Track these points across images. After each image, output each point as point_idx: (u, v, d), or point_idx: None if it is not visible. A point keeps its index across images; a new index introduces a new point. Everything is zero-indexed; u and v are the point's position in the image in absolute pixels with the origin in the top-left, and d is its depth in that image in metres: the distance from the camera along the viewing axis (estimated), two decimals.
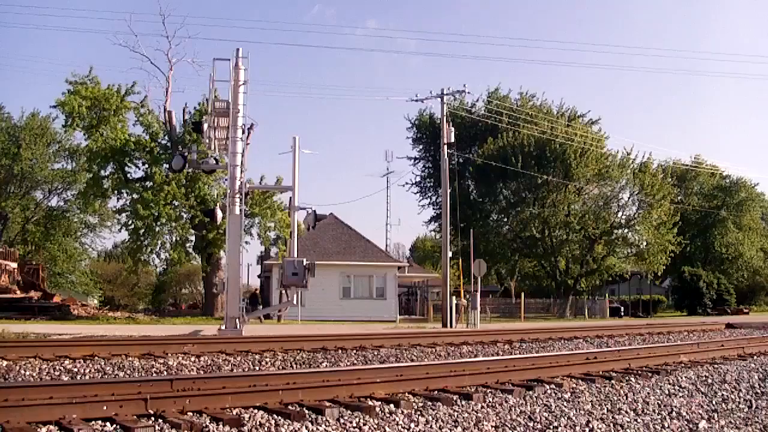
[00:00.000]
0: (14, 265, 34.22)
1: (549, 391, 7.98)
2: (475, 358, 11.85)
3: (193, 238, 36.31)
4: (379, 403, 6.77)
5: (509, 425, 6.27)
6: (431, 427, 6.06)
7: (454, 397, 7.22)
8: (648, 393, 8.17)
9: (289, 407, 6.39)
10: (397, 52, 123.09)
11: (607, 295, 57.57)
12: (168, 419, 5.68)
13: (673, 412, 7.21)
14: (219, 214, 19.13)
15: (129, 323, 26.85)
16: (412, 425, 6.05)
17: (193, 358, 10.65)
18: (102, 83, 34.71)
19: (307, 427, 5.75)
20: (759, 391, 8.92)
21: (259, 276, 51.81)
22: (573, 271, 53.88)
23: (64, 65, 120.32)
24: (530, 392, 7.84)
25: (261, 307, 38.55)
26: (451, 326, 27.62)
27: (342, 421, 6.03)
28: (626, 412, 7.10)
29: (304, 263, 18.69)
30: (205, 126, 19.66)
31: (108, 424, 5.53)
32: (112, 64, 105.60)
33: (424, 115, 57.49)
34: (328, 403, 6.57)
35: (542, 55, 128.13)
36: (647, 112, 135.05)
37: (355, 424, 5.93)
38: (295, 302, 19.64)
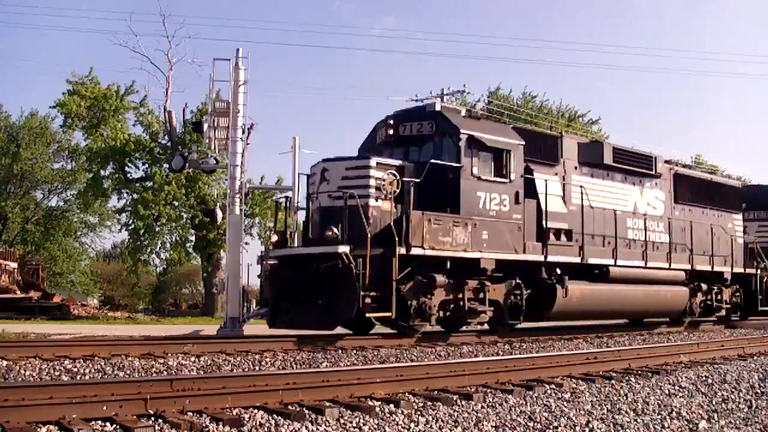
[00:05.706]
0: (14, 265, 34.21)
1: (549, 391, 7.98)
2: (475, 358, 11.84)
3: (193, 238, 36.27)
4: (379, 403, 6.77)
5: (509, 425, 6.27)
6: (431, 427, 6.06)
7: (454, 397, 7.22)
8: (648, 393, 8.17)
9: (289, 407, 6.39)
10: (404, 53, 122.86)
11: None
12: (168, 419, 5.68)
13: (673, 412, 7.21)
14: (219, 214, 19.13)
15: (129, 323, 26.83)
16: (412, 425, 6.05)
17: (193, 358, 10.63)
18: (102, 83, 34.72)
19: (307, 427, 5.75)
20: (759, 391, 8.93)
21: (259, 276, 51.74)
22: None
23: (64, 65, 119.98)
24: (530, 392, 7.84)
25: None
26: None
27: (342, 421, 6.03)
28: (626, 412, 7.10)
29: None
30: (205, 126, 19.65)
31: (108, 424, 5.53)
32: (112, 64, 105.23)
33: None
34: (328, 403, 6.56)
35: (543, 54, 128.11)
36: (647, 112, 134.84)
37: (355, 424, 5.93)
38: None
